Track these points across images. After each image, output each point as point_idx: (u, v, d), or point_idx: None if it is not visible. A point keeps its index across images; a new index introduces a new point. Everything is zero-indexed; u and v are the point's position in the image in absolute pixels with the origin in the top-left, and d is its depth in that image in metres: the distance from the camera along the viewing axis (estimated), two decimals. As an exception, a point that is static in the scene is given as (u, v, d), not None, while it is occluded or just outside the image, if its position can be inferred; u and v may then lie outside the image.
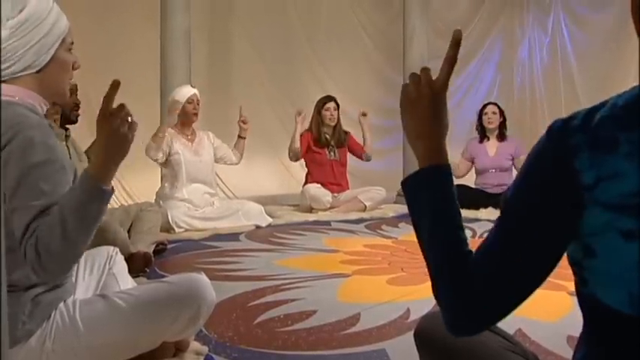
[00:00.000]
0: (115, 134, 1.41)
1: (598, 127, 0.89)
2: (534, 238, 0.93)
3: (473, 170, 6.05)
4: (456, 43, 1.06)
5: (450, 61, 1.07)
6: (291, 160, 5.93)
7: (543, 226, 0.93)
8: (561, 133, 0.92)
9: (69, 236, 1.34)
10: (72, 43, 1.63)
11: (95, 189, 1.39)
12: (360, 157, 6.05)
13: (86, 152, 3.54)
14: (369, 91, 7.59)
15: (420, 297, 2.84)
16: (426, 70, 1.07)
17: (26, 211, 1.36)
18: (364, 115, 5.96)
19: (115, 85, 1.41)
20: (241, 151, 5.21)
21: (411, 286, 3.06)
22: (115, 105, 1.42)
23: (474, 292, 0.95)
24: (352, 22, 7.52)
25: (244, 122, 5.16)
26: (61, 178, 1.44)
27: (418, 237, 1.06)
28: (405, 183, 1.07)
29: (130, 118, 1.44)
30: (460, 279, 0.96)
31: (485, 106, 6.06)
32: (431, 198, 1.03)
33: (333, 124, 5.86)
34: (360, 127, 5.97)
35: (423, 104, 1.05)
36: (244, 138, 5.19)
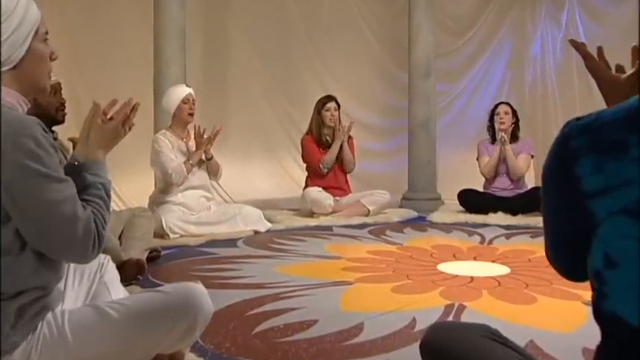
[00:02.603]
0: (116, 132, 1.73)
1: (604, 130, 0.89)
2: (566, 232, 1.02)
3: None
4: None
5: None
6: (318, 168, 5.77)
7: (566, 223, 1.00)
8: (565, 135, 0.93)
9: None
10: (46, 32, 1.61)
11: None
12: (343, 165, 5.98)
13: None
14: (372, 90, 7.59)
15: (426, 306, 2.85)
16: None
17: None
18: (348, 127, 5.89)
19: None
20: (214, 170, 4.96)
21: (417, 295, 3.07)
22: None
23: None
24: (355, 17, 7.52)
25: (203, 137, 4.83)
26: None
27: None
28: None
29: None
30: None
31: (497, 105, 6.05)
32: None
33: (333, 125, 5.86)
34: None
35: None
36: (211, 159, 4.91)
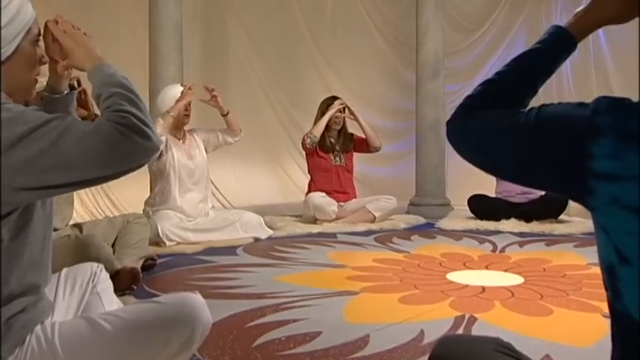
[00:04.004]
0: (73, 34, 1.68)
1: (634, 116, 0.89)
2: (527, 167, 1.03)
3: (493, 177, 6.03)
4: None
5: None
6: (303, 143, 5.80)
7: (540, 169, 1.00)
8: (594, 109, 0.93)
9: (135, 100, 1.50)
10: (39, 34, 1.60)
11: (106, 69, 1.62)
12: (369, 150, 6.02)
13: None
14: (378, 91, 7.59)
15: (435, 317, 2.84)
16: None
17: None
18: (346, 109, 5.91)
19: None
20: (234, 126, 5.10)
21: (426, 305, 3.06)
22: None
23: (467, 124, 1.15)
24: (360, 14, 7.53)
25: (211, 90, 5.00)
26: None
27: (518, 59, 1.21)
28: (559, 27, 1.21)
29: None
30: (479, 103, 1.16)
31: None
32: (549, 54, 1.18)
33: (338, 127, 5.86)
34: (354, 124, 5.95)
35: None
36: (227, 114, 5.08)
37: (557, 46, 1.17)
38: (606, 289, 0.96)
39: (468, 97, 1.18)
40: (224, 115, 5.05)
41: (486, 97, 1.16)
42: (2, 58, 1.51)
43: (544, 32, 1.20)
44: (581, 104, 0.97)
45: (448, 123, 1.18)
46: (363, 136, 5.95)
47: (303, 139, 5.78)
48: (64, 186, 1.42)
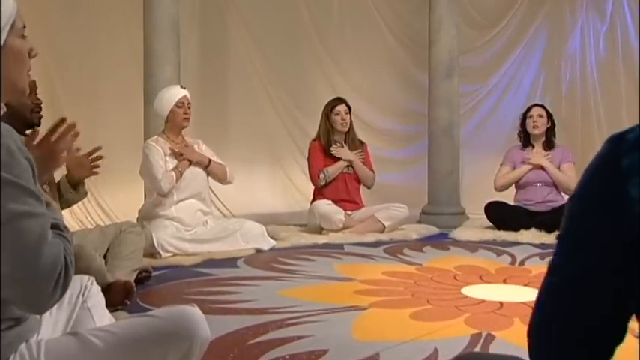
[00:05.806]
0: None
1: None
2: (599, 288, 0.92)
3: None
4: None
5: None
6: (314, 179, 5.80)
7: (607, 270, 0.90)
8: (613, 151, 0.90)
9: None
10: (24, 27, 1.59)
11: None
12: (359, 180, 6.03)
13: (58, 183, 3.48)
14: (388, 92, 7.58)
15: (449, 335, 2.83)
16: None
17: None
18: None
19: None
20: (221, 176, 5.04)
21: (439, 322, 3.05)
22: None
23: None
24: (369, 10, 7.53)
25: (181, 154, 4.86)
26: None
27: None
28: None
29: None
30: None
31: (529, 108, 6.03)
32: None
33: (344, 130, 5.85)
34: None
35: None
36: (208, 165, 4.94)
37: None
38: None
39: None
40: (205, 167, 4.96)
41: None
42: None
43: None
44: (599, 158, 0.92)
45: None
46: (372, 159, 6.03)
47: (317, 175, 5.76)
48: None
